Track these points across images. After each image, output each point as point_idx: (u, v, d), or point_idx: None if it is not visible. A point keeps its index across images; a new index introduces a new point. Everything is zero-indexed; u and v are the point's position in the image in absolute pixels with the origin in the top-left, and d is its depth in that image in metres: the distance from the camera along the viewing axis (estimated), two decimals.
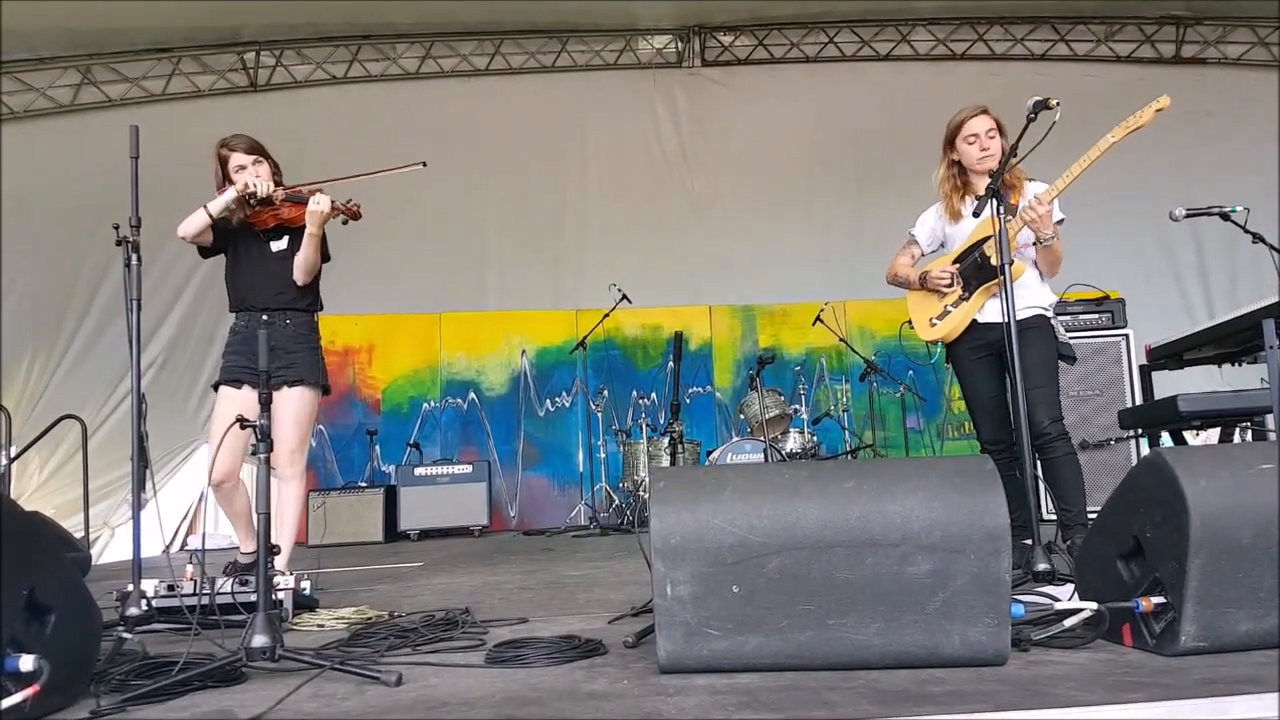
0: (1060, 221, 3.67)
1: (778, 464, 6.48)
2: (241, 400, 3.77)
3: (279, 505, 3.70)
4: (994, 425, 3.81)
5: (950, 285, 3.82)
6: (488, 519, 8.27)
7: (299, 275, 3.88)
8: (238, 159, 3.89)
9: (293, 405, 3.80)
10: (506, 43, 9.74)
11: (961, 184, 3.85)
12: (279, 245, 3.93)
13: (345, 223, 3.90)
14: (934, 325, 3.90)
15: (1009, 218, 3.60)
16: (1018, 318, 3.63)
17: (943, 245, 4.00)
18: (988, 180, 3.58)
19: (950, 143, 3.85)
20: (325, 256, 4.01)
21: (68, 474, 8.37)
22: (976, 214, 3.66)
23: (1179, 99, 3.41)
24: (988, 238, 3.63)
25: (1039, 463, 3.65)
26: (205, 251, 3.96)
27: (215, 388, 3.90)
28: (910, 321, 4.07)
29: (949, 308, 3.85)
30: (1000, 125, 3.77)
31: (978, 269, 3.75)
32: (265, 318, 3.87)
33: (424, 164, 3.97)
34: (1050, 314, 3.80)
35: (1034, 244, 3.67)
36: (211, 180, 3.95)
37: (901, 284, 4.08)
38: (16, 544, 1.95)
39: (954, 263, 3.85)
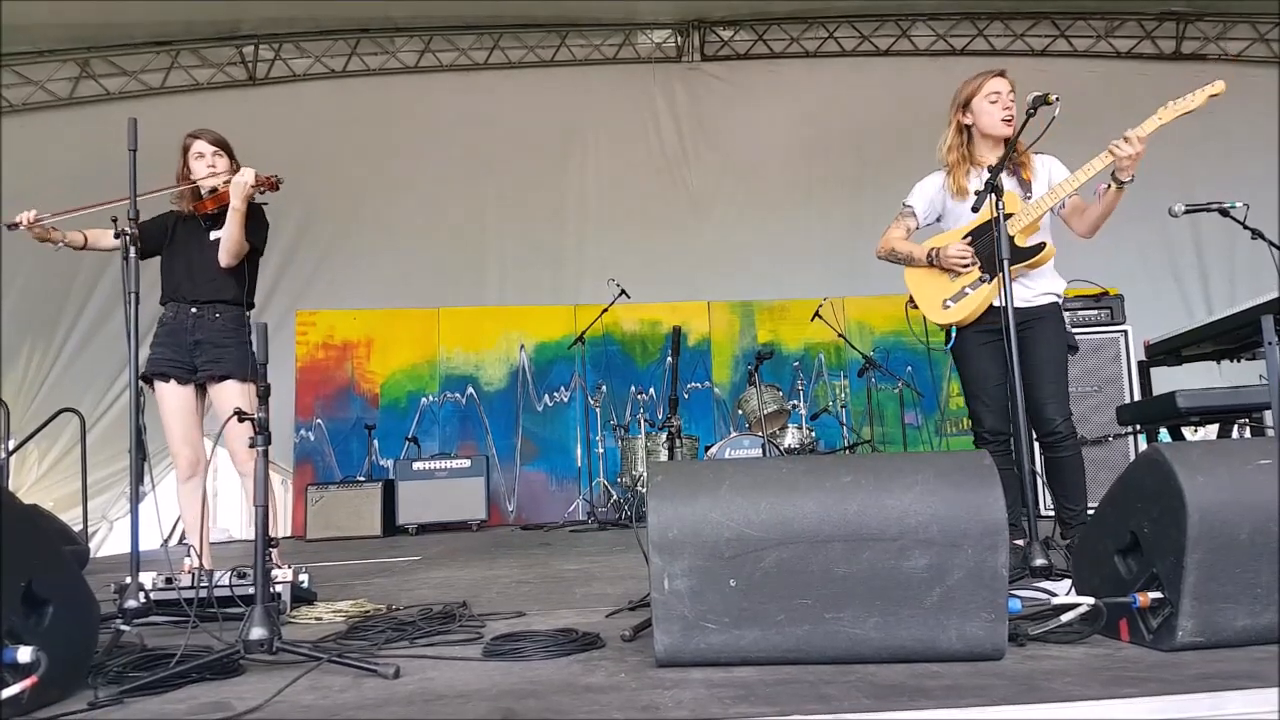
0: None
1: (776, 459, 6.47)
2: (177, 393, 3.81)
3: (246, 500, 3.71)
4: (997, 415, 3.57)
5: (968, 266, 3.58)
6: (486, 514, 8.27)
7: (223, 256, 3.84)
8: (199, 147, 3.90)
9: (229, 401, 3.75)
10: (505, 37, 9.73)
11: (968, 153, 3.63)
12: (218, 234, 3.90)
13: (263, 192, 3.84)
14: (948, 308, 3.63)
15: (1027, 195, 3.51)
16: (1033, 303, 3.55)
17: (939, 219, 3.77)
18: (999, 150, 3.48)
19: (965, 105, 3.62)
20: (258, 249, 3.98)
21: (66, 467, 8.37)
22: (975, 209, 3.53)
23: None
24: (1008, 215, 3.43)
25: (1042, 458, 3.62)
26: (141, 253, 3.93)
27: (148, 381, 3.86)
28: (912, 301, 3.78)
29: (967, 289, 3.59)
30: (1014, 89, 3.56)
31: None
32: (194, 310, 3.86)
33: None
34: (1061, 299, 3.64)
35: (1106, 188, 3.41)
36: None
37: (898, 259, 3.78)
38: (15, 537, 1.95)
39: (967, 240, 3.60)
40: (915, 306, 3.79)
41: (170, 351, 3.82)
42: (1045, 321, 3.56)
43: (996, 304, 3.49)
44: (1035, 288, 3.59)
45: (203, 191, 3.88)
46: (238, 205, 3.75)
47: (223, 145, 3.94)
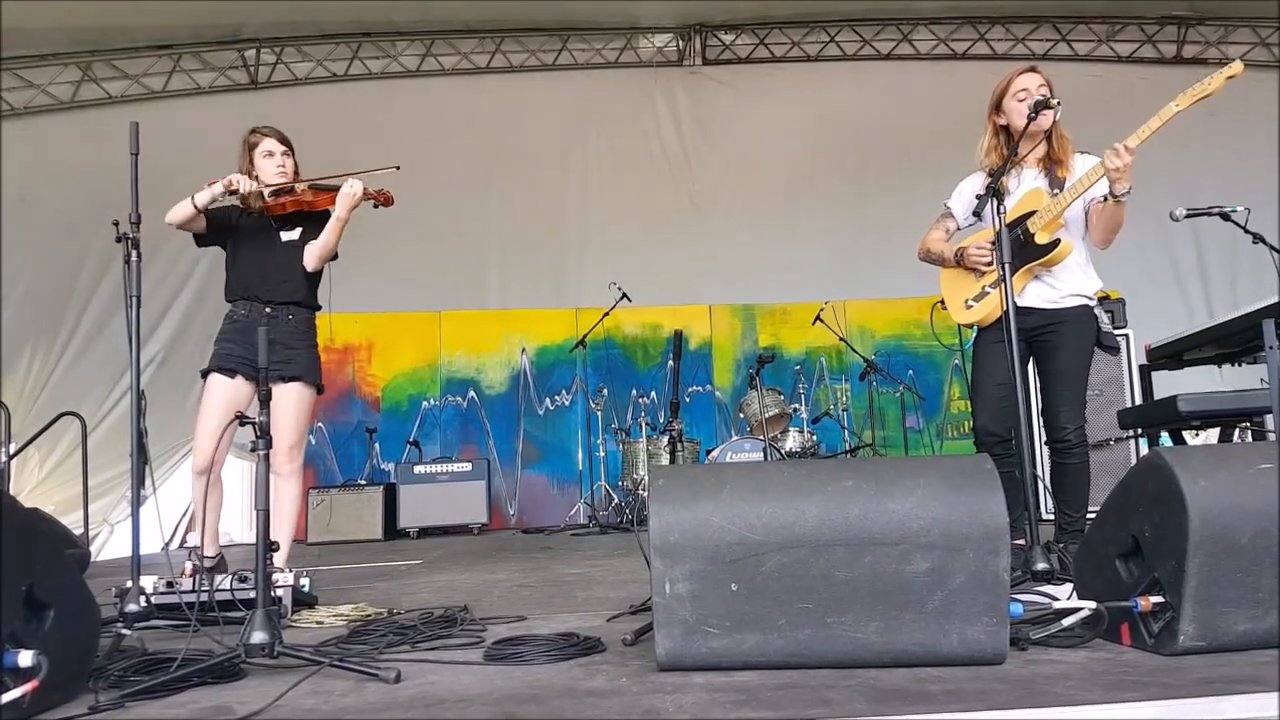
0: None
1: (777, 463, 6.48)
2: (233, 389, 3.79)
3: (277, 502, 3.69)
4: (992, 414, 3.52)
5: (990, 264, 3.53)
6: (487, 517, 8.28)
7: (311, 261, 3.87)
8: (268, 145, 3.90)
9: (290, 402, 3.79)
10: (507, 41, 9.73)
11: (1007, 153, 3.52)
12: (290, 235, 3.92)
13: (376, 207, 3.90)
14: (970, 307, 3.64)
15: (1056, 191, 3.47)
16: (1059, 305, 3.51)
17: (979, 218, 3.68)
18: (1035, 146, 3.45)
19: (997, 106, 3.59)
20: (333, 254, 4.01)
21: (67, 470, 8.36)
22: (977, 214, 3.52)
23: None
24: (1031, 213, 3.45)
25: (1049, 462, 3.58)
26: (200, 239, 3.94)
27: (204, 375, 3.87)
28: (943, 302, 3.81)
29: (987, 289, 3.57)
30: (1050, 84, 3.50)
31: (1020, 247, 3.43)
32: (268, 310, 3.86)
33: (398, 167, 3.93)
34: (1094, 302, 3.56)
35: (1103, 200, 3.35)
36: (231, 170, 3.95)
37: (934, 260, 3.80)
38: (16, 541, 1.95)
39: (993, 239, 3.51)
40: (945, 307, 3.81)
41: (241, 349, 3.79)
42: (1069, 325, 3.50)
43: (1019, 303, 3.41)
44: (1061, 288, 3.52)
45: (267, 194, 3.86)
46: (342, 215, 3.82)
47: (289, 145, 3.95)
